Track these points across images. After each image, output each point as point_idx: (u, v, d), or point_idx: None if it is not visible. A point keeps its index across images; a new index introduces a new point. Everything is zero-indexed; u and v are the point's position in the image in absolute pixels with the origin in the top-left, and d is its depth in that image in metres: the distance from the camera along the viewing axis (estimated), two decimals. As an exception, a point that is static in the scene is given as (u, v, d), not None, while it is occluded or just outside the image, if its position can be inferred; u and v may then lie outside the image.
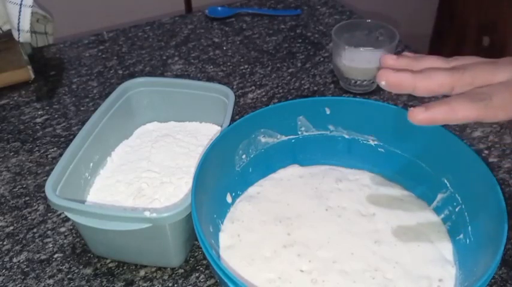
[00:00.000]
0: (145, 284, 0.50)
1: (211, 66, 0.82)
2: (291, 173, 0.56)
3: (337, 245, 0.48)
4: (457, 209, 0.48)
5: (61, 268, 0.51)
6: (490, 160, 0.63)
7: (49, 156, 0.65)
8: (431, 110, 0.34)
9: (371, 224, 0.50)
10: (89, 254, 0.53)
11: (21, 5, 0.77)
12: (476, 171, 0.45)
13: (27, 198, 0.59)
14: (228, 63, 0.83)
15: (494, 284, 0.49)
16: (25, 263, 0.52)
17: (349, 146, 0.55)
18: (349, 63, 0.71)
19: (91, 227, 0.46)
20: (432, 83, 0.36)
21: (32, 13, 0.79)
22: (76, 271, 0.51)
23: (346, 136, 0.55)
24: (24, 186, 0.61)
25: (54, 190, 0.47)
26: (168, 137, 0.61)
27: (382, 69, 0.37)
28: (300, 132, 0.55)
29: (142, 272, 0.51)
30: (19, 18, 0.78)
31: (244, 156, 0.53)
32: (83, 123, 0.55)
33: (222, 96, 0.59)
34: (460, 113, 0.34)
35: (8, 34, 0.82)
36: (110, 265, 0.52)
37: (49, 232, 0.55)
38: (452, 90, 0.36)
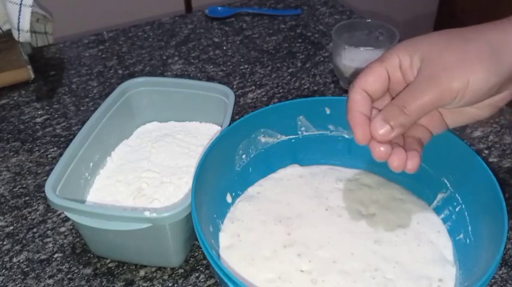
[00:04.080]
0: (145, 284, 0.50)
1: (211, 66, 0.82)
2: (291, 173, 0.56)
3: (337, 245, 0.48)
4: (457, 209, 0.48)
5: (61, 268, 0.51)
6: (490, 160, 0.63)
7: (49, 156, 0.65)
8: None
9: (371, 224, 0.50)
10: (89, 254, 0.53)
11: (21, 4, 0.77)
12: (476, 171, 0.45)
13: (27, 198, 0.59)
14: (228, 63, 0.83)
15: (494, 284, 0.49)
16: (25, 263, 0.52)
17: (349, 146, 0.55)
18: (349, 63, 0.71)
19: (91, 227, 0.46)
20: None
21: (31, 13, 0.79)
22: (76, 271, 0.51)
23: (346, 136, 0.55)
24: (24, 186, 0.61)
25: (54, 190, 0.47)
26: (168, 137, 0.61)
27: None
28: (300, 132, 0.55)
29: (142, 272, 0.51)
30: (19, 18, 0.78)
31: (244, 156, 0.53)
32: (83, 123, 0.55)
33: (222, 96, 0.59)
34: None
35: (8, 34, 0.82)
36: (110, 265, 0.52)
37: (49, 232, 0.55)
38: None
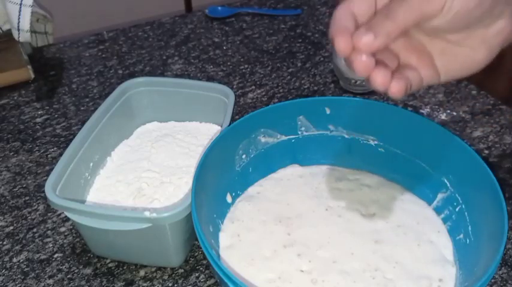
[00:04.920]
0: (145, 284, 0.50)
1: (211, 66, 0.82)
2: (291, 173, 0.56)
3: (337, 245, 0.48)
4: (457, 209, 0.48)
5: (61, 267, 0.51)
6: (490, 160, 0.63)
7: (49, 156, 0.65)
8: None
9: (371, 224, 0.50)
10: (89, 254, 0.53)
11: (21, 4, 0.77)
12: (476, 171, 0.45)
13: (27, 198, 0.59)
14: (228, 63, 0.83)
15: (494, 284, 0.49)
16: (25, 263, 0.52)
17: (349, 146, 0.55)
18: (349, 63, 0.71)
19: (91, 227, 0.46)
20: None
21: (31, 13, 0.79)
22: (76, 271, 0.51)
23: (346, 136, 0.55)
24: (24, 186, 0.61)
25: (54, 190, 0.47)
26: (168, 137, 0.61)
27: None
28: (300, 132, 0.55)
29: (142, 272, 0.51)
30: (19, 18, 0.78)
31: (244, 156, 0.53)
32: (83, 123, 0.55)
33: (222, 96, 0.59)
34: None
35: (8, 34, 0.82)
36: (110, 265, 0.52)
37: (49, 232, 0.55)
38: None
